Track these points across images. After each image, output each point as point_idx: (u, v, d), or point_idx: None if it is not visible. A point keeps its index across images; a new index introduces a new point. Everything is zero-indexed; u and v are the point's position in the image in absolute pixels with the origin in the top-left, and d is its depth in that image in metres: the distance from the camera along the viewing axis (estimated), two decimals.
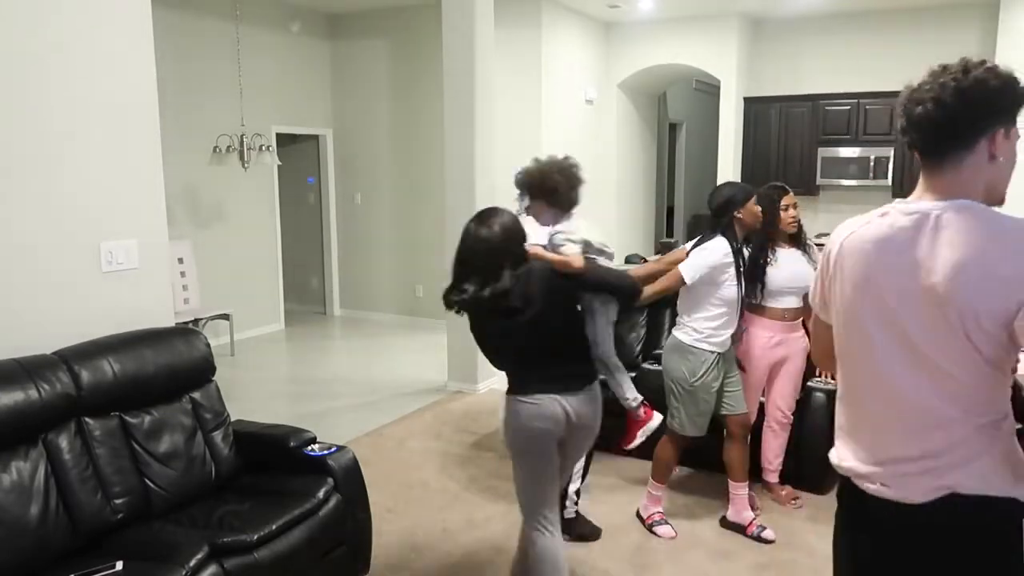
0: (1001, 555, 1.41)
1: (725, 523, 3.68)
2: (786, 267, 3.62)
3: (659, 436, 3.56)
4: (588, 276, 2.72)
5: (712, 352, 3.42)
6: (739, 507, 3.62)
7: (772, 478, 3.93)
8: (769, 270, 3.61)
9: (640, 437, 3.38)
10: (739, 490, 3.60)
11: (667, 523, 3.64)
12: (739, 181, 3.45)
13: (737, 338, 3.57)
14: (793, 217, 3.65)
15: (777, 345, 3.69)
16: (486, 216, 2.58)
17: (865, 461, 1.53)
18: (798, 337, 3.72)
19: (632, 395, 3.32)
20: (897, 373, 1.46)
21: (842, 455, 1.60)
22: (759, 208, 3.45)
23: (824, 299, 1.67)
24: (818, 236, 8.55)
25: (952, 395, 1.41)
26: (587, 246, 3.05)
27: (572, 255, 2.81)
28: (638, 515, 3.74)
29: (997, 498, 1.39)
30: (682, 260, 3.41)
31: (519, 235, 2.60)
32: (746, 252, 3.52)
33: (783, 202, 3.64)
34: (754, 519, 3.61)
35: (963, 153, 1.41)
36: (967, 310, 1.35)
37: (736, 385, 3.53)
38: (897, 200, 1.53)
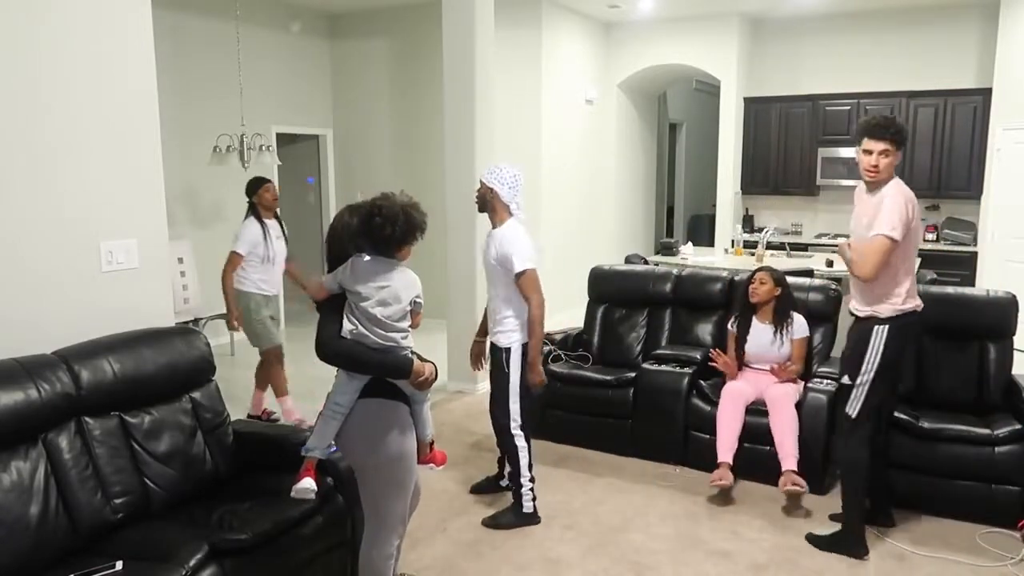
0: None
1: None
2: (753, 342, 4.25)
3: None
4: None
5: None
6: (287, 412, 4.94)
7: (789, 464, 3.82)
8: (749, 337, 4.26)
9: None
10: (287, 403, 5.01)
11: None
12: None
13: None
14: (754, 291, 4.23)
15: (755, 384, 4.19)
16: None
17: (857, 303, 3.37)
18: (778, 384, 4.11)
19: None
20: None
21: (854, 305, 3.39)
22: (273, 192, 5.05)
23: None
24: (818, 236, 8.57)
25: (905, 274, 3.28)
26: None
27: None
28: (271, 418, 4.99)
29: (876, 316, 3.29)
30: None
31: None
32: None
33: (754, 277, 4.26)
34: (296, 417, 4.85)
35: (898, 156, 3.21)
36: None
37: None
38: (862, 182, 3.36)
